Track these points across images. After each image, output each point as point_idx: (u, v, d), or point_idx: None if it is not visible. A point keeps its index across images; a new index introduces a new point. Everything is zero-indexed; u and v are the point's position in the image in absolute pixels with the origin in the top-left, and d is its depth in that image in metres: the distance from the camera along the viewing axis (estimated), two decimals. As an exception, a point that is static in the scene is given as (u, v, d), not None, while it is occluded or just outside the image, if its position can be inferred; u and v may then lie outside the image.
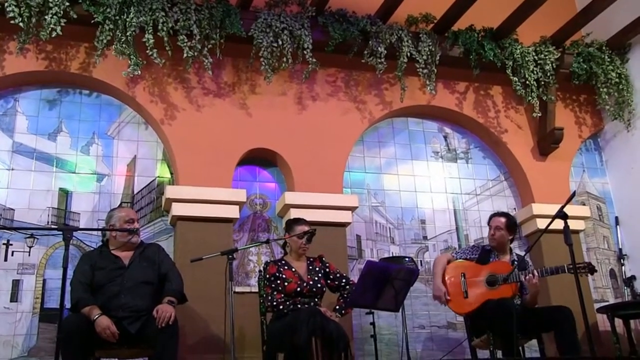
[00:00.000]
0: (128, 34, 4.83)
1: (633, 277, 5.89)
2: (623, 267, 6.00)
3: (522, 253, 5.26)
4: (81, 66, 5.10)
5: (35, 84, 5.15)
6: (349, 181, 5.69)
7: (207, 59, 5.02)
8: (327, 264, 4.41)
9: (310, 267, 4.35)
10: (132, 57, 4.86)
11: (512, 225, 4.66)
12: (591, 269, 4.21)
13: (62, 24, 4.66)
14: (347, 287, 4.34)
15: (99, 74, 5.12)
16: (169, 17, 4.95)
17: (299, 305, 4.10)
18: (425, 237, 5.79)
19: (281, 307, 4.10)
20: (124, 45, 4.84)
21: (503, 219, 4.66)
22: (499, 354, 4.33)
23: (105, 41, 4.84)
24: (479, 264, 4.55)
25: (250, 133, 5.34)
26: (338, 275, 4.40)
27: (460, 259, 4.64)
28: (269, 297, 4.16)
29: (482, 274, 4.46)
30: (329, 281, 4.36)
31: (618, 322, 5.25)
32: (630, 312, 5.23)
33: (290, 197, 5.21)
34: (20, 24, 4.60)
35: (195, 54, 5.00)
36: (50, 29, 4.63)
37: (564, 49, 6.02)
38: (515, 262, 4.50)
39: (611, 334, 5.18)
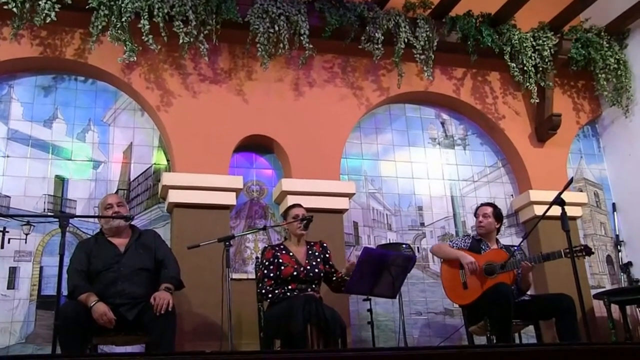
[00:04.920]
0: (123, 19, 4.78)
1: (630, 264, 5.91)
2: (620, 254, 6.01)
3: (519, 240, 5.26)
4: (76, 52, 5.07)
5: (30, 71, 5.11)
6: (346, 168, 5.68)
7: (203, 45, 4.98)
8: (328, 252, 4.40)
9: (310, 252, 4.33)
10: (127, 43, 4.83)
11: (498, 214, 4.74)
12: (588, 251, 4.22)
13: (57, 10, 4.63)
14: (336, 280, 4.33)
15: (94, 60, 5.08)
16: (165, 3, 4.90)
17: (289, 294, 4.09)
18: (422, 224, 5.79)
19: (270, 295, 4.09)
20: (119, 31, 4.81)
21: (490, 208, 4.72)
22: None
23: (100, 27, 4.81)
24: (474, 254, 4.55)
25: (247, 119, 5.32)
26: (332, 266, 4.40)
27: (456, 248, 4.64)
28: (259, 284, 4.17)
29: (479, 264, 4.46)
30: (327, 266, 4.34)
31: (614, 307, 5.27)
32: (626, 298, 5.26)
33: (287, 184, 5.20)
34: (14, 9, 4.57)
35: (191, 40, 4.96)
36: (44, 14, 4.59)
37: (562, 35, 5.99)
38: (514, 250, 4.51)
39: (607, 320, 5.21)
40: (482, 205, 4.80)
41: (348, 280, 4.15)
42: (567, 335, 4.15)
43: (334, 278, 4.31)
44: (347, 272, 4.20)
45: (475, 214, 4.77)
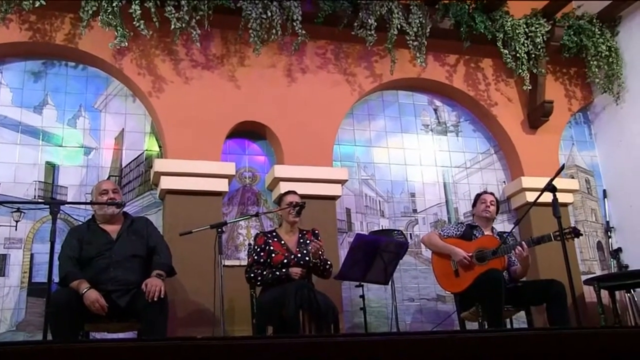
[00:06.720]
0: (114, 4, 4.73)
1: (619, 249, 5.96)
2: (610, 240, 6.06)
3: (511, 226, 5.29)
4: (66, 37, 5.01)
5: (19, 56, 5.06)
6: (338, 154, 5.67)
7: (195, 31, 4.94)
8: (319, 240, 4.38)
9: (301, 240, 4.33)
10: (118, 28, 4.78)
11: (498, 206, 4.83)
12: (576, 233, 4.24)
13: (46, -6, 4.57)
14: (327, 266, 4.27)
15: (85, 45, 5.03)
16: (156, -13, 4.85)
17: (278, 272, 4.09)
18: (415, 210, 5.80)
19: (259, 278, 4.10)
20: (110, 16, 4.75)
21: (494, 197, 4.78)
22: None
23: (90, 12, 4.75)
24: (465, 241, 4.57)
25: (239, 106, 5.29)
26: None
27: (446, 236, 4.66)
28: (247, 269, 4.18)
29: (470, 251, 4.48)
30: None
31: (604, 293, 5.32)
32: (616, 283, 5.30)
33: (279, 170, 5.19)
34: (2, -7, 4.51)
35: (183, 25, 4.91)
36: (33, -2, 4.53)
37: (554, 22, 5.98)
38: (505, 236, 4.53)
39: (597, 305, 5.26)
40: (486, 193, 4.83)
41: (341, 267, 4.16)
42: (557, 320, 4.19)
43: (311, 265, 4.24)
44: (313, 255, 4.15)
45: (478, 200, 4.77)
